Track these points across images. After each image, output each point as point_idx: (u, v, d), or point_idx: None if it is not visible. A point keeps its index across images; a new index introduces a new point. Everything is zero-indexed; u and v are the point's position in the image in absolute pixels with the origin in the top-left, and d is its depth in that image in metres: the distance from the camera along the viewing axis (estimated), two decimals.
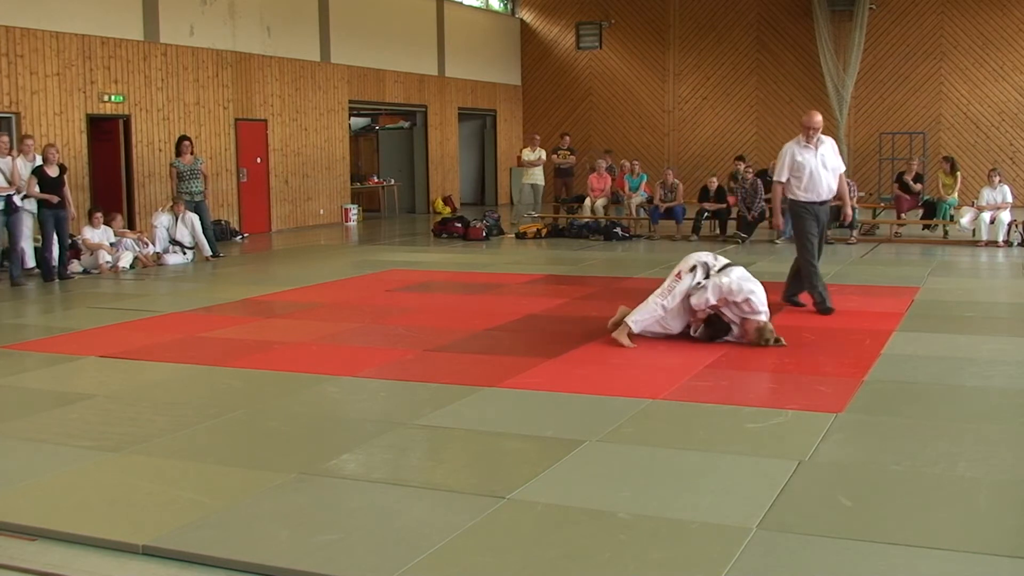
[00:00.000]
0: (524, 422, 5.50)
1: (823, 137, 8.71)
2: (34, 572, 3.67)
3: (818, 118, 8.67)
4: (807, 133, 8.59)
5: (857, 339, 7.57)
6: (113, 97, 15.16)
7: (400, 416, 5.61)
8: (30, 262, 12.28)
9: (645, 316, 7.41)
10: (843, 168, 8.92)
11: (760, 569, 3.54)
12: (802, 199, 8.64)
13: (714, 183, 16.43)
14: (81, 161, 14.64)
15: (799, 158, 8.60)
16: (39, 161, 12.07)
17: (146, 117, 15.76)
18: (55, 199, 11.73)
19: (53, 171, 11.87)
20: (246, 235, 17.30)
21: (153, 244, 13.47)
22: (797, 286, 8.90)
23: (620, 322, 7.52)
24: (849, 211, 9.58)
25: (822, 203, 8.71)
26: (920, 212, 16.13)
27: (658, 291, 7.52)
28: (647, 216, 16.89)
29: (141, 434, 5.29)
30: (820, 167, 8.58)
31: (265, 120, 18.20)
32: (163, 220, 13.67)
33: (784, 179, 8.68)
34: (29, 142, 12.49)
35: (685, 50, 24.76)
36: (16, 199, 11.65)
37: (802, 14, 23.27)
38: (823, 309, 8.61)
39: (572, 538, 3.84)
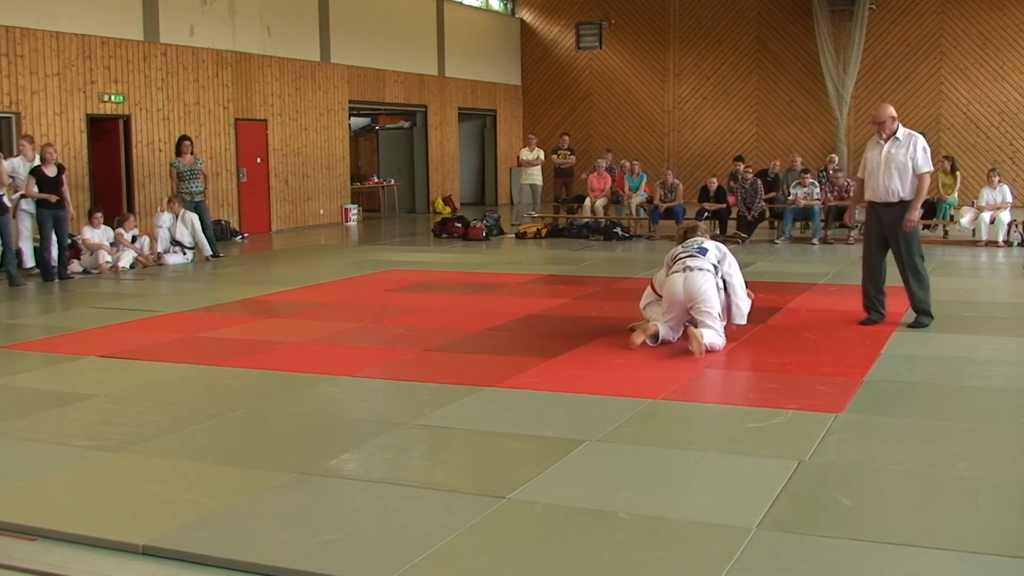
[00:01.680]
0: (524, 422, 5.50)
1: (904, 133, 8.04)
2: (34, 572, 3.67)
3: (881, 112, 8.07)
4: (874, 128, 8.23)
5: (857, 339, 7.57)
6: (113, 97, 15.16)
7: (400, 416, 5.61)
8: (29, 262, 12.28)
9: (720, 336, 7.20)
10: (924, 169, 7.97)
11: (760, 569, 3.54)
12: (867, 197, 8.25)
13: (714, 183, 16.44)
14: (81, 161, 14.64)
15: (867, 153, 8.22)
16: (38, 161, 12.08)
17: (146, 117, 15.76)
18: (54, 198, 11.72)
19: (51, 171, 11.86)
20: (246, 235, 17.30)
21: (156, 245, 13.47)
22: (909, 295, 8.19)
23: (652, 333, 7.31)
24: (910, 216, 8.02)
25: (885, 204, 8.05)
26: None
27: (714, 311, 7.23)
28: (647, 216, 16.90)
29: (141, 434, 5.29)
30: (881, 164, 8.04)
31: (265, 120, 18.20)
32: (165, 220, 13.67)
33: (861, 175, 8.33)
34: (25, 143, 12.47)
35: (685, 50, 24.76)
36: (6, 199, 11.63)
37: (802, 14, 23.27)
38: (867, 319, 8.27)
39: (572, 538, 3.84)
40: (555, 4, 25.90)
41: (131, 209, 15.31)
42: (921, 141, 8.08)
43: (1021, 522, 4.04)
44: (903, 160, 7.98)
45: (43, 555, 3.80)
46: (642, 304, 7.89)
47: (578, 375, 6.54)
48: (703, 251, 7.45)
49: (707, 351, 6.98)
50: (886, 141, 8.08)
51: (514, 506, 4.17)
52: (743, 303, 7.52)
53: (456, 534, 3.85)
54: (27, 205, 12.04)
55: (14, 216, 12.15)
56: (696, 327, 7.11)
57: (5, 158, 12.17)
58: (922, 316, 8.04)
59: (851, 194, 15.51)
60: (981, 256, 13.53)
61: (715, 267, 7.37)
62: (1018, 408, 5.68)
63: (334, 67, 19.82)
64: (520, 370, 6.66)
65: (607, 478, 4.54)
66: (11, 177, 11.95)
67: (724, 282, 7.41)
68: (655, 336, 7.25)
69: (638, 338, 7.22)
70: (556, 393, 6.07)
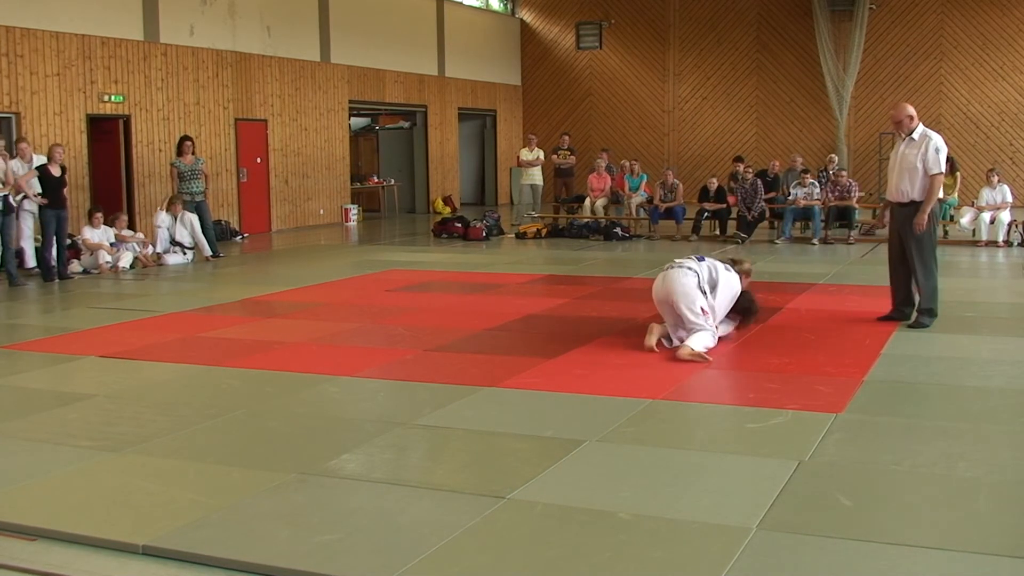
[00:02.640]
0: (524, 422, 5.50)
1: (920, 134, 8.01)
2: (34, 572, 3.67)
3: (899, 111, 8.05)
4: (893, 126, 8.23)
5: (857, 339, 7.57)
6: (113, 97, 15.16)
7: (400, 416, 5.61)
8: (31, 262, 12.27)
9: (709, 334, 7.11)
10: (933, 170, 7.91)
11: (760, 569, 3.54)
12: (886, 196, 8.19)
13: (714, 183, 16.43)
14: (81, 161, 14.63)
15: (892, 152, 8.19)
16: (36, 162, 12.06)
17: (146, 117, 15.75)
18: (44, 201, 11.67)
19: (56, 171, 11.86)
20: (246, 235, 17.29)
21: (153, 245, 13.47)
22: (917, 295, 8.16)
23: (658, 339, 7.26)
24: (919, 220, 7.88)
25: (898, 204, 8.07)
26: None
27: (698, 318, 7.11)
28: (647, 216, 16.90)
29: (141, 434, 5.29)
30: (895, 164, 8.08)
31: (265, 120, 18.19)
32: (164, 220, 13.67)
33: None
34: (23, 145, 12.44)
35: (685, 50, 24.76)
36: (11, 199, 11.64)
37: (802, 14, 23.27)
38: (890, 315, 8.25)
39: (572, 538, 3.84)
40: (555, 4, 25.90)
41: (131, 209, 15.31)
42: (935, 142, 8.00)
43: (1021, 522, 4.04)
44: (913, 161, 7.96)
45: (43, 555, 3.80)
46: None
47: (578, 375, 6.54)
48: (700, 259, 7.41)
49: (692, 357, 6.82)
50: (904, 140, 8.09)
51: (514, 506, 4.17)
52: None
53: (456, 534, 3.85)
54: (30, 205, 12.02)
55: (17, 216, 12.15)
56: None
57: (9, 159, 12.19)
58: (923, 316, 8.04)
59: (854, 197, 15.59)
60: (981, 256, 13.53)
61: (700, 276, 7.19)
62: (1018, 408, 5.68)
63: (334, 67, 19.81)
64: (520, 370, 6.66)
65: (607, 478, 4.54)
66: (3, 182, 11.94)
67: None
68: (669, 337, 7.22)
69: (651, 339, 7.17)
70: (556, 393, 6.07)
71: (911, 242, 8.03)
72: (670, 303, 7.15)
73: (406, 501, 4.24)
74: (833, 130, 22.98)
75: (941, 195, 16.06)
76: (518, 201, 19.54)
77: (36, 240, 12.23)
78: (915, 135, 8.04)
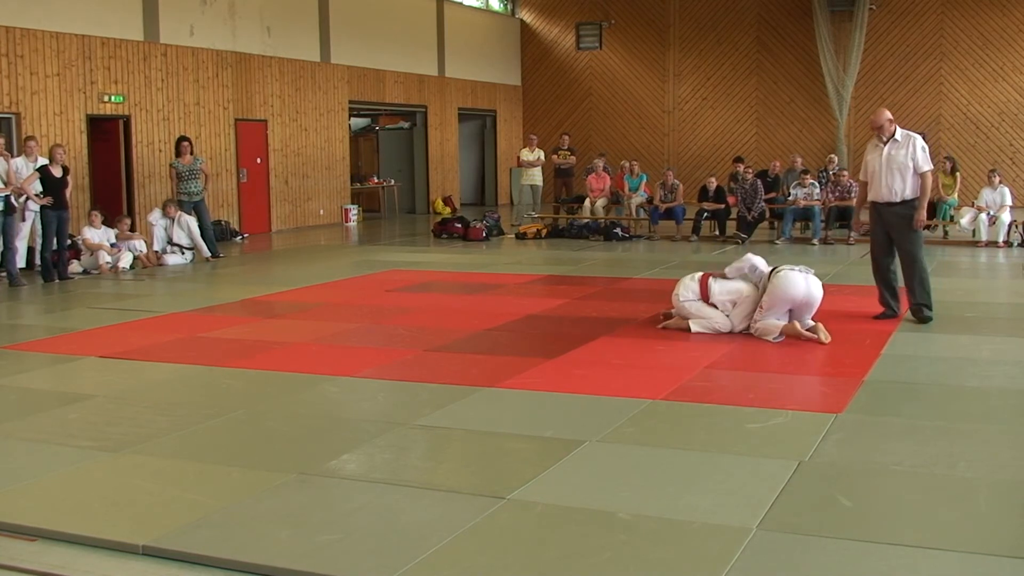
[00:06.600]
0: (524, 422, 5.51)
1: (903, 135, 8.25)
2: (34, 572, 3.67)
3: (879, 116, 8.32)
4: (874, 132, 8.44)
5: (857, 339, 7.57)
6: (113, 97, 15.16)
7: (400, 416, 5.62)
8: (22, 262, 12.18)
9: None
10: (924, 167, 8.18)
11: (760, 569, 3.54)
12: (870, 198, 8.45)
13: (713, 183, 16.42)
14: (81, 161, 14.64)
15: (868, 157, 8.42)
16: (41, 162, 12.05)
17: (146, 117, 15.75)
18: (49, 201, 11.64)
19: (57, 171, 11.85)
20: (246, 235, 17.30)
21: (148, 246, 13.44)
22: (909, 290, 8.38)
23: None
24: (919, 216, 8.18)
25: (887, 204, 8.24)
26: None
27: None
28: (647, 216, 16.90)
29: (141, 434, 5.29)
30: (883, 166, 8.23)
31: (265, 120, 18.19)
32: (158, 219, 13.65)
33: (863, 178, 8.55)
34: (32, 143, 12.44)
35: (685, 50, 24.76)
36: (13, 199, 11.64)
37: (802, 14, 23.27)
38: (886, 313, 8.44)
39: (572, 538, 3.84)
40: (555, 4, 25.90)
41: (131, 209, 15.31)
42: (919, 141, 8.30)
43: (1021, 522, 4.04)
44: (903, 160, 8.19)
45: (43, 555, 3.80)
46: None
47: (578, 375, 6.55)
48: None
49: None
50: (885, 144, 8.27)
51: (514, 506, 4.17)
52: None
53: (456, 534, 3.85)
54: (35, 205, 11.99)
55: (23, 217, 12.14)
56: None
57: (11, 157, 12.18)
58: (923, 309, 8.19)
59: (854, 197, 15.59)
60: (981, 256, 13.53)
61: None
62: (1018, 408, 5.68)
63: (334, 67, 19.81)
64: (520, 370, 6.66)
65: (607, 478, 4.54)
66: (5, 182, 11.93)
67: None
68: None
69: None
70: (556, 393, 6.07)
71: (903, 239, 8.22)
72: (810, 303, 7.66)
73: (406, 501, 4.24)
74: (833, 130, 22.99)
75: (941, 195, 16.18)
76: (518, 201, 19.53)
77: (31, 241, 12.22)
78: (898, 136, 8.28)
